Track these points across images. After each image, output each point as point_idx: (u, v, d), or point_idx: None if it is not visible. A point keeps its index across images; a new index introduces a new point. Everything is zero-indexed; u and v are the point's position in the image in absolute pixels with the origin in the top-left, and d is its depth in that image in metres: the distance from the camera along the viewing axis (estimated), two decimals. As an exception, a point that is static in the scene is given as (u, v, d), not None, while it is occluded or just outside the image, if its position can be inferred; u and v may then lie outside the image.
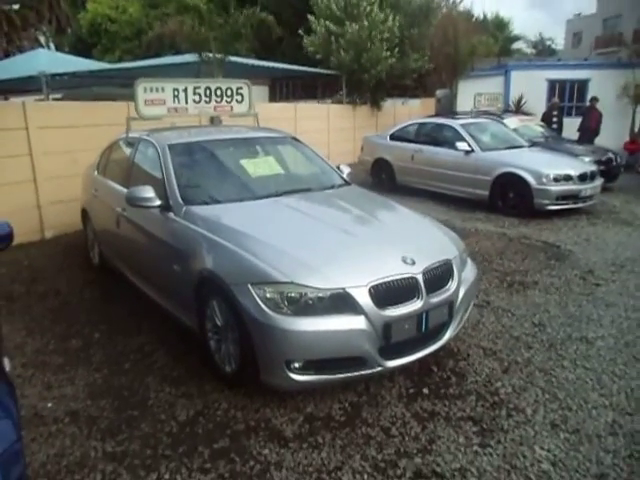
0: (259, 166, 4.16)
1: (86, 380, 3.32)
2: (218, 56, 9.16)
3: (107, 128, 6.12)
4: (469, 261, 3.69)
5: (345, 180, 4.59)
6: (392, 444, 2.66)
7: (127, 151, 4.72)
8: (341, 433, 2.75)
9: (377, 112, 14.69)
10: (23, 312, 4.43)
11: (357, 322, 2.79)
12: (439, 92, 16.31)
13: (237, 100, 5.25)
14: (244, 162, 4.15)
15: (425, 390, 3.14)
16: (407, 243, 3.27)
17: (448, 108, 14.78)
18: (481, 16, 25.66)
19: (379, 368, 2.91)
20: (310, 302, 2.78)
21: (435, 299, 3.04)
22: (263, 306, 2.77)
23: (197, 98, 4.98)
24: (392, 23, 13.06)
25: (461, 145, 8.20)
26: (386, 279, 2.90)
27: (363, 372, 2.90)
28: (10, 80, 12.51)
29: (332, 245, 3.18)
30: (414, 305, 2.94)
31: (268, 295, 2.79)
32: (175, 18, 9.72)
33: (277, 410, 2.94)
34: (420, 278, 2.99)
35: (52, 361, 3.58)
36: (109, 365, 3.50)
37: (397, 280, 2.93)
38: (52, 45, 30.70)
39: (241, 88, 5.26)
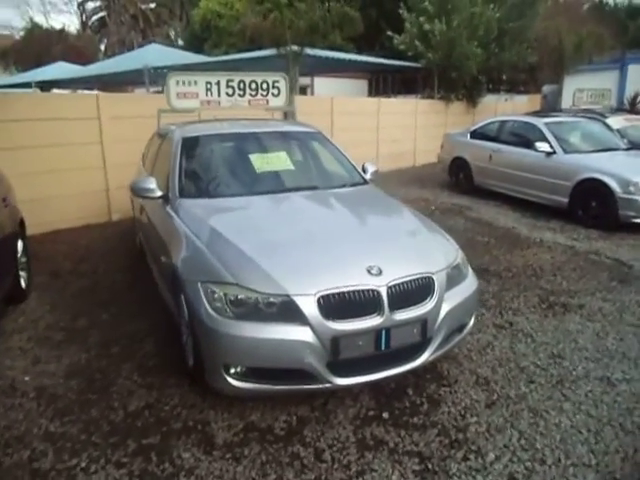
0: (268, 161, 4.06)
1: (71, 359, 3.48)
2: (294, 49, 9.16)
3: (178, 118, 6.40)
4: (470, 275, 3.29)
5: (364, 179, 4.33)
6: (316, 469, 2.44)
7: (157, 143, 4.89)
8: (270, 448, 2.58)
9: (473, 109, 13.84)
10: (58, 289, 4.78)
11: (301, 333, 2.59)
12: (546, 88, 14.95)
13: (273, 94, 5.19)
14: (254, 157, 4.07)
15: (385, 415, 2.85)
16: (384, 252, 2.98)
17: (553, 105, 13.48)
18: (611, 2, 22.95)
19: (328, 384, 2.69)
20: (253, 307, 2.64)
21: (401, 316, 2.73)
22: (207, 306, 2.69)
23: (230, 91, 5.00)
24: (490, 15, 12.16)
25: (542, 146, 7.40)
26: (340, 289, 2.65)
27: (309, 386, 2.71)
28: (125, 73, 13.68)
29: (298, 249, 3.00)
30: (371, 321, 2.66)
31: (215, 296, 2.69)
32: (266, 12, 9.85)
33: (221, 414, 2.85)
34: (383, 291, 2.70)
35: (54, 337, 3.81)
36: (99, 347, 3.64)
37: (353, 292, 2.67)
38: (180, 41, 33.13)
39: (278, 81, 5.20)
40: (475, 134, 9.16)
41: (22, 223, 4.62)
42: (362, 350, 2.71)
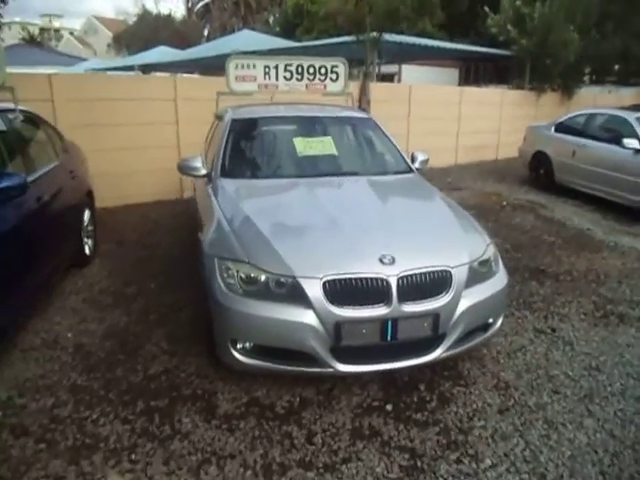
0: (312, 145, 4.07)
1: (112, 322, 3.76)
2: (372, 35, 9.03)
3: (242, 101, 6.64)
4: (500, 272, 3.11)
5: (409, 168, 4.22)
6: (302, 451, 2.46)
7: (215, 124, 5.07)
8: (266, 425, 2.64)
9: (568, 101, 12.86)
10: (120, 257, 5.15)
11: (304, 315, 2.60)
12: (656, 79, 13.49)
13: (331, 78, 5.18)
14: (297, 140, 4.10)
15: (389, 407, 2.80)
16: (402, 242, 2.89)
17: (662, 98, 12.17)
18: None
19: (330, 370, 2.68)
20: (263, 286, 2.69)
21: (410, 308, 2.65)
22: (221, 282, 2.78)
23: (288, 75, 5.06)
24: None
25: (630, 142, 6.74)
26: (347, 275, 2.63)
27: (312, 369, 2.71)
28: (217, 57, 14.24)
29: (316, 233, 3.00)
30: (377, 310, 2.61)
31: (229, 272, 2.78)
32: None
33: (229, 386, 2.95)
34: (393, 281, 2.63)
35: (104, 301, 4.13)
36: (139, 313, 3.89)
37: (361, 279, 2.63)
38: (278, 27, 33.81)
39: (336, 66, 5.18)
40: (560, 127, 8.53)
41: (90, 194, 5.03)
42: (366, 339, 2.67)
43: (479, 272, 2.96)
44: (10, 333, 3.21)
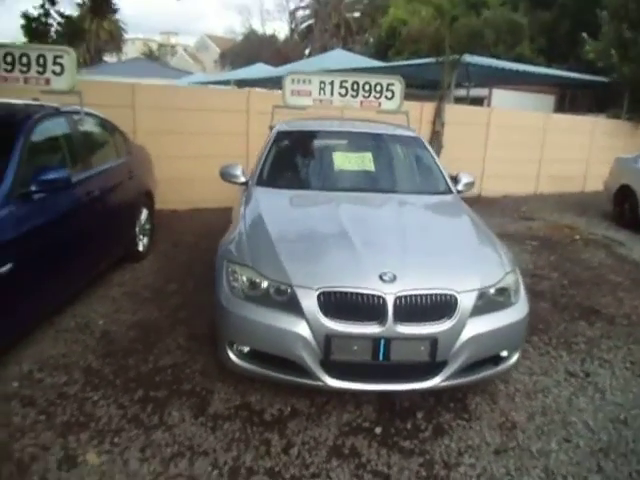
0: (350, 160, 4.08)
1: (143, 315, 3.97)
2: (451, 57, 8.88)
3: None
4: (520, 302, 2.91)
5: (449, 189, 4.08)
6: (274, 460, 2.44)
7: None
8: (249, 429, 2.65)
9: (674, 133, 11.77)
10: (171, 257, 5.45)
11: (297, 325, 2.60)
12: None
13: (386, 96, 5.17)
14: (337, 155, 4.14)
15: (378, 430, 2.70)
16: (409, 261, 2.79)
17: None
18: None
19: (319, 383, 2.65)
20: (263, 292, 2.73)
21: (406, 330, 2.56)
22: (225, 284, 2.87)
23: (343, 91, 5.12)
24: None
25: None
26: (342, 289, 2.60)
27: (303, 381, 2.69)
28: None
29: (324, 245, 3.00)
30: (370, 327, 2.55)
31: (235, 276, 2.85)
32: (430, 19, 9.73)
33: (227, 387, 3.00)
34: (390, 300, 2.56)
35: (142, 294, 4.38)
36: (170, 310, 4.08)
37: (357, 294, 2.59)
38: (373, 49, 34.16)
39: (392, 84, 5.16)
40: (650, 160, 7.83)
41: (149, 195, 5.37)
42: (357, 356, 2.61)
43: (493, 300, 2.79)
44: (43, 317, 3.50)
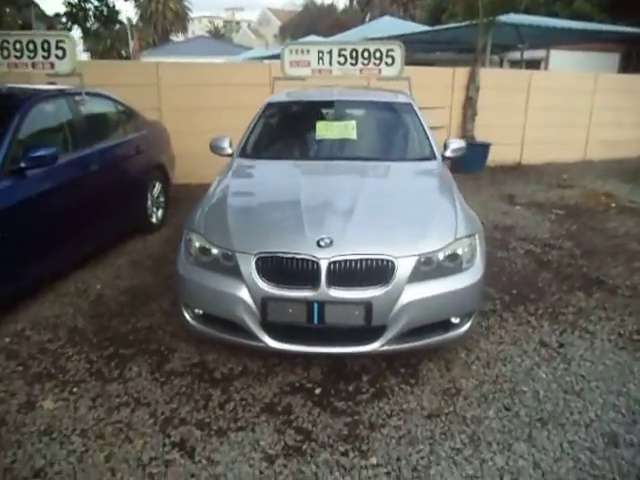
0: (332, 129, 4.07)
1: (138, 281, 4.25)
2: (485, 20, 8.41)
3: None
4: (472, 269, 2.85)
5: (434, 155, 3.98)
6: (210, 413, 2.60)
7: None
8: (196, 385, 2.82)
9: None
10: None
11: (238, 289, 2.72)
12: None
13: (387, 63, 5.06)
14: (320, 124, 4.13)
15: (317, 391, 2.79)
16: (352, 227, 2.79)
17: None
18: None
19: (261, 344, 2.77)
20: (212, 258, 2.86)
21: (338, 294, 2.61)
22: (183, 250, 3.04)
23: (342, 60, 5.07)
24: None
25: None
26: (278, 254, 2.68)
27: (246, 342, 2.82)
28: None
29: (274, 212, 3.11)
30: (304, 291, 2.63)
31: (191, 243, 3.00)
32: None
33: (190, 347, 3.19)
34: (324, 265, 2.61)
35: (145, 263, 4.67)
36: (166, 277, 4.25)
37: (292, 259, 2.66)
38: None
39: (392, 50, 5.04)
40: None
41: (161, 168, 5.62)
42: (293, 318, 2.69)
43: (440, 265, 2.77)
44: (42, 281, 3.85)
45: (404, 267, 2.66)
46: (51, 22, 11.48)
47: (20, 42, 4.39)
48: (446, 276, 2.79)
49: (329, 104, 4.50)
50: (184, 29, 51.58)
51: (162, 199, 5.68)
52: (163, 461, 2.28)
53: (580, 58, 14.98)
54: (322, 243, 2.67)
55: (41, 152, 3.49)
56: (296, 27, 36.66)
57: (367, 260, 2.65)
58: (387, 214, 3.03)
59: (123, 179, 4.79)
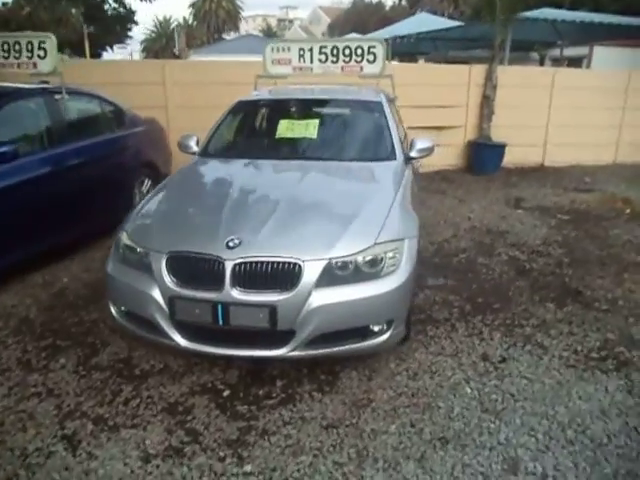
0: (293, 128, 4.01)
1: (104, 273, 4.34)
2: (502, 17, 8.05)
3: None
4: (392, 276, 2.72)
5: (394, 156, 3.83)
6: (111, 408, 2.62)
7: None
8: (111, 380, 2.86)
9: None
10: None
11: (150, 286, 2.73)
12: None
13: (368, 60, 4.94)
14: (283, 122, 4.09)
15: (226, 393, 2.76)
16: (265, 229, 2.74)
17: None
18: None
19: (173, 343, 2.77)
20: (133, 256, 2.90)
21: (243, 296, 2.57)
22: (113, 249, 3.09)
23: (323, 58, 5.00)
24: None
25: None
26: (187, 254, 2.68)
27: (160, 339, 2.83)
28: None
29: (198, 213, 3.11)
30: (208, 292, 2.61)
31: (120, 241, 3.05)
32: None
33: (122, 342, 3.24)
34: (229, 266, 2.58)
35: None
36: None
37: (199, 259, 2.65)
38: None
39: (374, 47, 4.92)
40: None
41: (150, 165, 5.70)
42: (199, 318, 2.67)
43: (358, 270, 2.67)
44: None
45: (311, 271, 2.59)
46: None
47: (7, 43, 4.60)
48: (363, 281, 2.68)
49: (296, 102, 4.44)
50: (236, 27, 52.61)
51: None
52: (46, 452, 2.32)
53: (628, 55, 14.08)
54: (231, 244, 2.63)
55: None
56: (343, 25, 36.57)
57: (273, 263, 2.59)
58: (307, 217, 2.95)
59: (104, 175, 4.90)
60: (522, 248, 5.01)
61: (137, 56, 40.75)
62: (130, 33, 30.40)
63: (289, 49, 5.03)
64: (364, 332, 2.76)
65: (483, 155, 8.32)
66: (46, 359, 3.07)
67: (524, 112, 8.55)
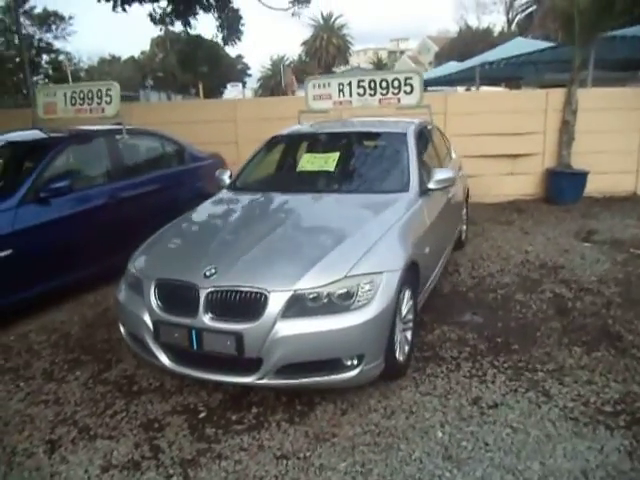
0: (314, 162, 4.14)
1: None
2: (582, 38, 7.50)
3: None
4: (363, 310, 2.71)
5: (407, 188, 3.79)
6: (98, 419, 2.88)
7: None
8: (110, 394, 3.14)
9: None
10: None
11: (141, 309, 3.00)
12: None
13: (405, 91, 4.93)
14: (305, 156, 4.25)
15: (202, 415, 2.90)
16: (244, 260, 2.89)
17: None
18: None
19: (159, 363, 2.99)
20: (130, 280, 3.23)
21: (213, 323, 2.73)
22: (125, 276, 3.42)
23: (361, 91, 5.09)
24: None
25: None
26: (170, 281, 2.92)
27: (152, 360, 3.07)
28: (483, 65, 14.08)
29: (193, 244, 3.34)
30: (184, 318, 2.80)
31: (128, 269, 3.38)
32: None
33: (134, 361, 3.52)
34: (203, 294, 2.77)
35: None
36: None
37: (178, 286, 2.88)
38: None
39: (410, 78, 4.90)
40: None
41: (208, 196, 6.14)
42: (179, 342, 2.87)
43: (330, 302, 2.71)
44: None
45: (277, 301, 2.67)
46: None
47: (82, 92, 5.32)
48: (334, 314, 2.71)
49: (322, 136, 4.57)
50: (346, 61, 54.50)
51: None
52: (29, 453, 2.62)
53: None
54: (207, 273, 2.82)
55: (57, 184, 4.21)
56: (449, 53, 36.22)
57: (241, 292, 2.72)
58: (287, 249, 3.05)
59: (159, 205, 5.36)
60: (572, 285, 4.60)
61: (249, 93, 43.69)
62: (249, 71, 33.01)
63: (329, 85, 5.19)
64: (335, 365, 2.76)
65: (562, 184, 7.76)
66: (66, 371, 3.45)
67: (611, 137, 7.85)
